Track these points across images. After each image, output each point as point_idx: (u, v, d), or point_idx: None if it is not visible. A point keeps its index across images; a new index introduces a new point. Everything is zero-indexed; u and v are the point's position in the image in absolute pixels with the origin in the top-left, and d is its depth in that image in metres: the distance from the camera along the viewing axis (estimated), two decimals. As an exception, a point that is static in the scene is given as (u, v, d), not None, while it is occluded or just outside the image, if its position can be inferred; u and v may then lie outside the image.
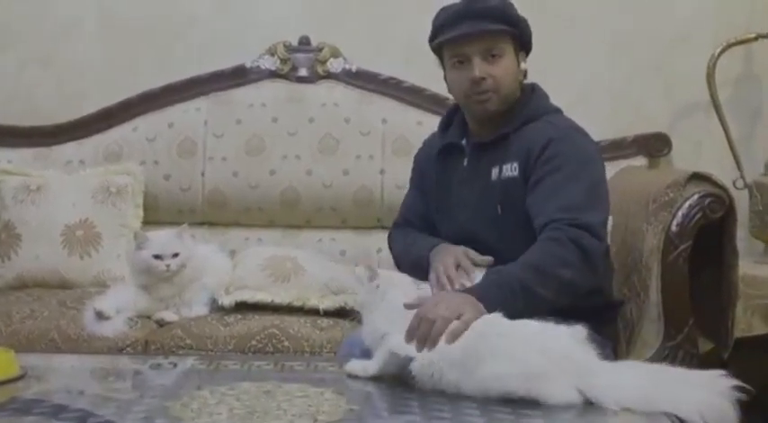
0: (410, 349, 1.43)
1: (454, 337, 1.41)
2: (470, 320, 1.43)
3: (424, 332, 1.43)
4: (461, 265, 1.72)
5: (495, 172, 1.76)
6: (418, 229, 1.94)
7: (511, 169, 1.74)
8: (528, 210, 1.70)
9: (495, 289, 1.53)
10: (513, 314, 1.46)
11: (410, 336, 1.44)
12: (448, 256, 1.73)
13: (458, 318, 1.43)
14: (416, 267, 1.77)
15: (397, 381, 1.46)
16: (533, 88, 1.84)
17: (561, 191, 1.66)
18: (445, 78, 1.83)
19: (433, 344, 1.41)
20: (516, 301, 1.51)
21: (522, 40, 1.79)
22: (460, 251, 1.74)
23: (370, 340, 1.52)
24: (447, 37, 1.75)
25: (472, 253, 1.74)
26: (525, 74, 1.83)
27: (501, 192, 1.75)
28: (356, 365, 1.51)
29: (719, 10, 2.73)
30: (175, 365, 1.64)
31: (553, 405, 1.33)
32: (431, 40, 1.80)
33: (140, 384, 1.59)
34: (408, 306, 1.49)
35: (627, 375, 1.41)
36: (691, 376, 1.40)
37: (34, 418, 1.29)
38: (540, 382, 1.35)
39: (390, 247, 1.99)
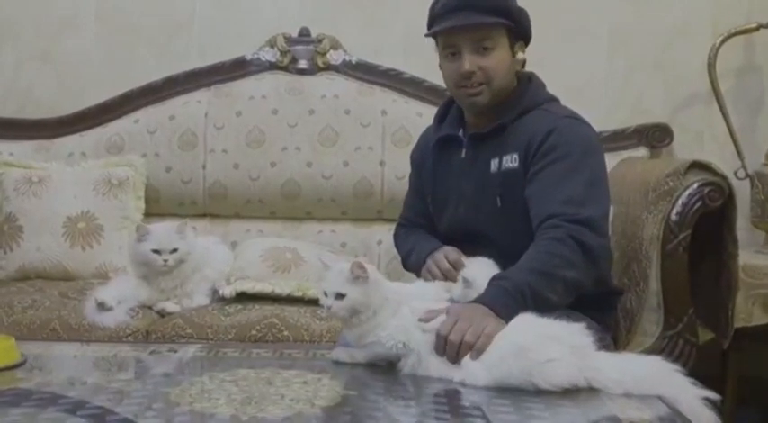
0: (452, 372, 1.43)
1: (479, 354, 1.40)
2: (493, 333, 1.42)
3: (451, 357, 1.42)
4: (450, 259, 1.74)
5: (494, 163, 1.75)
6: (421, 226, 1.95)
7: (511, 161, 1.72)
8: (526, 200, 1.69)
9: (506, 297, 1.50)
10: None
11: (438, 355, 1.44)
12: (438, 253, 1.77)
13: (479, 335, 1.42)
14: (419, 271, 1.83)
15: (393, 367, 1.46)
16: (530, 78, 1.82)
17: (561, 183, 1.64)
18: (440, 67, 1.81)
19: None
20: (527, 307, 1.49)
21: (518, 31, 1.75)
22: (450, 248, 1.78)
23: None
24: (438, 28, 1.74)
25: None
26: (523, 64, 1.81)
27: (501, 183, 1.73)
28: (342, 353, 1.52)
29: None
30: (175, 352, 1.65)
31: (555, 388, 1.33)
32: (427, 28, 1.79)
33: (141, 371, 1.59)
34: (423, 320, 1.47)
35: (627, 361, 1.42)
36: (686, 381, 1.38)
37: (31, 405, 1.29)
38: (544, 364, 1.34)
39: (396, 247, 2.01)
